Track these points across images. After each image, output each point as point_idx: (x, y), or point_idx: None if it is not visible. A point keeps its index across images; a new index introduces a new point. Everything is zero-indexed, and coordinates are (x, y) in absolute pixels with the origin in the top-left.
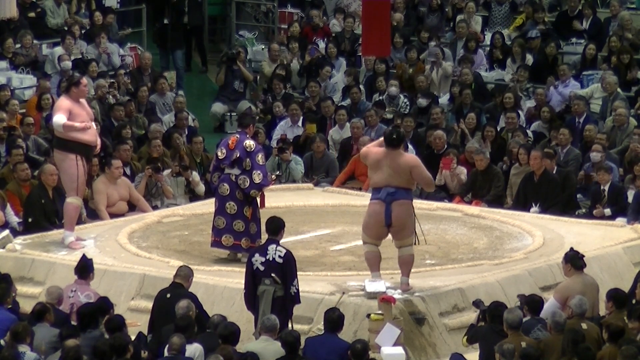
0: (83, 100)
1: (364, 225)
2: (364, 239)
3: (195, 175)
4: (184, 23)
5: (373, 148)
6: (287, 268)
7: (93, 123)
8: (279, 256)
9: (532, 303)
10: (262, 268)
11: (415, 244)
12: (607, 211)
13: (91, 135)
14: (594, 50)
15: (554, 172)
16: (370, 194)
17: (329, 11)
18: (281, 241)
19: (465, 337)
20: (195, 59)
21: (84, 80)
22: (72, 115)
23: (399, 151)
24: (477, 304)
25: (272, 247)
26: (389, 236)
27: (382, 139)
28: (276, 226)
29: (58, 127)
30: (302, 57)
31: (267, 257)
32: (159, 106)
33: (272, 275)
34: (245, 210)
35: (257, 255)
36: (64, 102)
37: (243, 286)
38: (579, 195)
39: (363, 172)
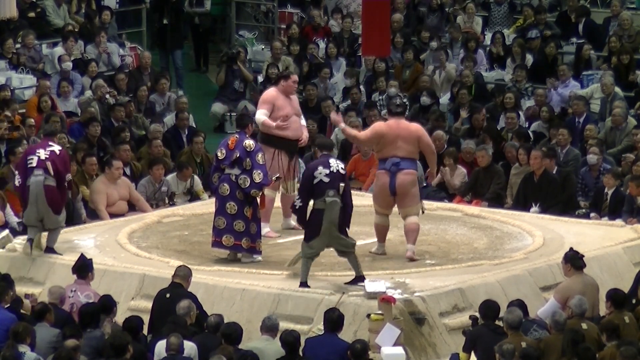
0: (293, 96)
1: (373, 195)
2: (375, 209)
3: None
4: (196, 24)
5: (382, 124)
6: (347, 178)
7: (298, 118)
8: (342, 167)
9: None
10: (326, 180)
11: (422, 212)
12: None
13: (293, 130)
14: (589, 50)
15: (554, 172)
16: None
17: (330, 11)
18: (278, 241)
19: (463, 351)
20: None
21: (295, 77)
22: (275, 107)
23: (404, 121)
24: (473, 319)
25: (333, 160)
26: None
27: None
28: (330, 143)
29: (258, 123)
30: (302, 58)
31: (331, 169)
32: (159, 106)
33: (341, 184)
34: (246, 210)
35: (320, 167)
36: (268, 94)
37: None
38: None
39: (363, 172)
